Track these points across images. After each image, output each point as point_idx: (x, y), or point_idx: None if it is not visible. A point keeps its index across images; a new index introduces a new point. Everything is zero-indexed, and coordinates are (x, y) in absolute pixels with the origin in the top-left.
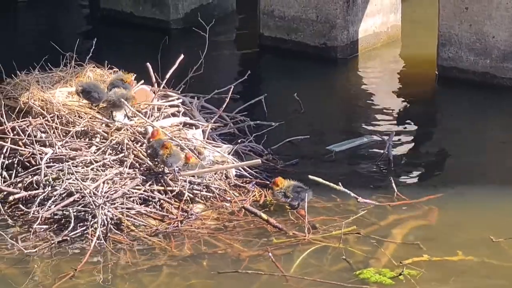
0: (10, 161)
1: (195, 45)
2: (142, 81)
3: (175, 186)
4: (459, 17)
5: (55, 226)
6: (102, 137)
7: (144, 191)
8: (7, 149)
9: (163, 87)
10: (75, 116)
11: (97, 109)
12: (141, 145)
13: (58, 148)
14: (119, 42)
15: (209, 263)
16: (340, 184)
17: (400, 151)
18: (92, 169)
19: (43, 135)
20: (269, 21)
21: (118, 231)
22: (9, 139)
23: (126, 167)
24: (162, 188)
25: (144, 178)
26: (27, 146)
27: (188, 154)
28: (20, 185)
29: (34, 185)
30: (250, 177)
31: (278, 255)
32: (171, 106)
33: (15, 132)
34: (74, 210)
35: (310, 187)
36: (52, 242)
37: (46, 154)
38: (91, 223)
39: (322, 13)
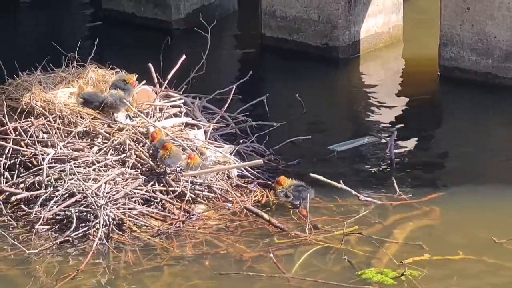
0: (12, 161)
1: (196, 46)
2: (144, 82)
3: (177, 187)
4: (461, 17)
5: (57, 226)
6: (104, 138)
7: (146, 191)
8: (9, 149)
9: (165, 88)
10: (77, 116)
11: (98, 110)
12: (143, 146)
13: (60, 148)
14: (120, 42)
15: (211, 263)
16: (342, 182)
17: (402, 151)
18: (94, 170)
19: (45, 135)
20: (271, 21)
21: (120, 232)
22: (11, 139)
23: (128, 168)
24: (164, 188)
25: (146, 178)
26: (29, 147)
27: (190, 154)
28: (22, 185)
29: (36, 185)
30: (252, 177)
31: (279, 255)
32: (173, 106)
33: (17, 132)
34: (76, 211)
35: (311, 186)
36: (54, 242)
37: (48, 154)
38: (93, 224)
39: (324, 13)
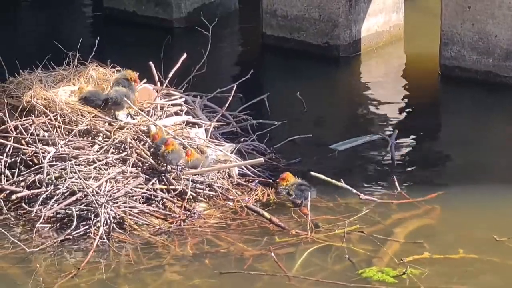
0: (13, 160)
1: (197, 44)
2: (145, 80)
3: (178, 185)
4: (462, 16)
5: (57, 225)
6: (104, 136)
7: (147, 190)
8: (10, 148)
9: (166, 86)
10: (78, 114)
11: (100, 108)
12: (144, 144)
13: (61, 146)
14: (122, 41)
15: (212, 262)
16: (342, 181)
17: (403, 149)
18: (94, 168)
19: (46, 133)
20: (272, 20)
21: (121, 230)
22: (12, 138)
23: (129, 166)
24: (165, 187)
25: (147, 176)
26: (29, 145)
27: (187, 151)
28: (23, 184)
29: (37, 184)
30: (253, 176)
31: (280, 254)
32: (174, 105)
33: (18, 131)
34: (77, 209)
35: (314, 186)
36: (55, 241)
37: (48, 153)
38: (94, 222)
39: (325, 12)
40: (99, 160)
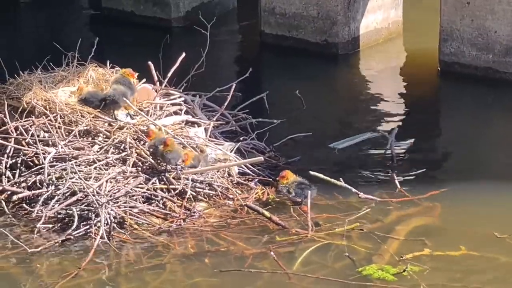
0: (13, 160)
1: (196, 43)
2: (144, 80)
3: (178, 184)
4: (461, 12)
5: (58, 225)
6: (104, 136)
7: (147, 189)
8: (10, 149)
9: (165, 86)
10: (78, 115)
11: (99, 109)
12: (143, 144)
13: (61, 147)
14: (120, 41)
15: (212, 260)
16: (342, 180)
17: (403, 147)
18: (95, 168)
19: (46, 134)
20: (270, 18)
21: (122, 230)
22: (13, 138)
23: (129, 166)
24: (165, 186)
25: (147, 176)
26: (30, 146)
27: (185, 155)
28: (23, 184)
29: (38, 184)
30: (253, 174)
31: (281, 252)
32: (173, 104)
33: (18, 131)
34: (78, 209)
35: (314, 185)
36: (56, 241)
37: (49, 153)
38: (94, 222)
39: (323, 9)
40: (99, 160)
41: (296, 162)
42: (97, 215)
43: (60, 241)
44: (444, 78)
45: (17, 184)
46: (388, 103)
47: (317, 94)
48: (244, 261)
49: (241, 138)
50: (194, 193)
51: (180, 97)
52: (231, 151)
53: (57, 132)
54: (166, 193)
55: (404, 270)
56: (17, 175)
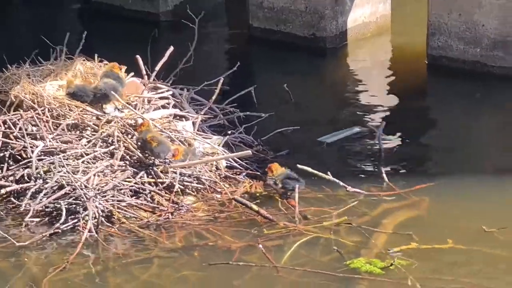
0: (1, 154)
1: (184, 37)
2: (132, 74)
3: (166, 178)
4: (449, 6)
5: (46, 219)
6: (92, 130)
7: (135, 183)
8: None
9: (153, 79)
10: (66, 109)
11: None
12: (131, 137)
13: (49, 141)
14: (109, 35)
15: (200, 254)
16: (329, 174)
17: (390, 141)
18: (83, 162)
19: (34, 128)
20: (258, 12)
21: (109, 224)
22: (1, 132)
23: (117, 159)
24: (153, 180)
25: (135, 170)
26: (18, 139)
27: (176, 150)
28: (11, 178)
29: (26, 178)
30: (241, 168)
31: (269, 246)
32: (161, 98)
33: (6, 125)
34: (66, 203)
35: (303, 178)
36: (44, 234)
37: (37, 147)
38: (82, 216)
39: (311, 3)
40: (87, 154)
41: (284, 156)
42: (85, 209)
43: (48, 235)
44: (432, 72)
45: (5, 178)
46: (376, 97)
47: (305, 88)
48: (232, 254)
49: (229, 132)
50: (182, 187)
51: (168, 91)
52: (219, 145)
53: (45, 125)
54: (154, 186)
55: (392, 264)
56: (5, 168)
